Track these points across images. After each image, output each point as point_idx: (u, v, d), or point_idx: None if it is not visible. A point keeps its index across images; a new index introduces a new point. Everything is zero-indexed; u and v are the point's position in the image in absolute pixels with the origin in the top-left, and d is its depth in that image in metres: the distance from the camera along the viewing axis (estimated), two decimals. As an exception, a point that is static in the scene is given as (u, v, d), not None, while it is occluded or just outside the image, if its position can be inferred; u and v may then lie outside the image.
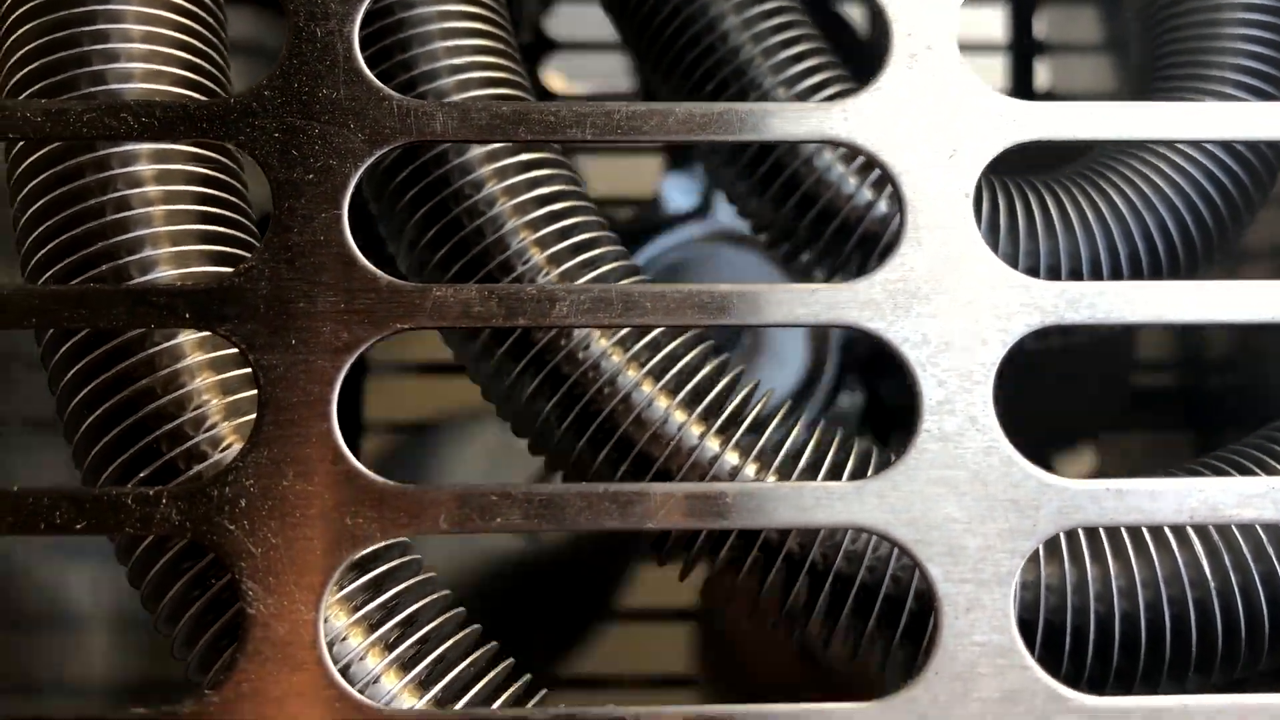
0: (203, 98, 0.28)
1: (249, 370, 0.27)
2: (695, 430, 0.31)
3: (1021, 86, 0.64)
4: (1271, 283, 0.26)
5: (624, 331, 0.32)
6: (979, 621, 0.24)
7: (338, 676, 0.23)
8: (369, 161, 0.26)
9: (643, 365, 0.31)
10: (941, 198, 0.26)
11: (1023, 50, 0.63)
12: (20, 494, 0.24)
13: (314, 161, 0.26)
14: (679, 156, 0.60)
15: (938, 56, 0.27)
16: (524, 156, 0.32)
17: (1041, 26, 0.63)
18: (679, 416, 0.31)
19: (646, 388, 0.31)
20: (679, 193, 0.59)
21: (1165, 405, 0.59)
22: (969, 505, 0.24)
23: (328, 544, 0.24)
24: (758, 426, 0.32)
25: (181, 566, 0.27)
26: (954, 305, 0.25)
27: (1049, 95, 0.64)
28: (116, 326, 0.26)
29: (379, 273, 0.25)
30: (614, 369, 0.31)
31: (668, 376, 0.31)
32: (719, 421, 0.31)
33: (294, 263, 0.25)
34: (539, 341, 0.32)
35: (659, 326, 0.29)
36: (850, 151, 0.38)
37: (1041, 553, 0.31)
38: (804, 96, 0.37)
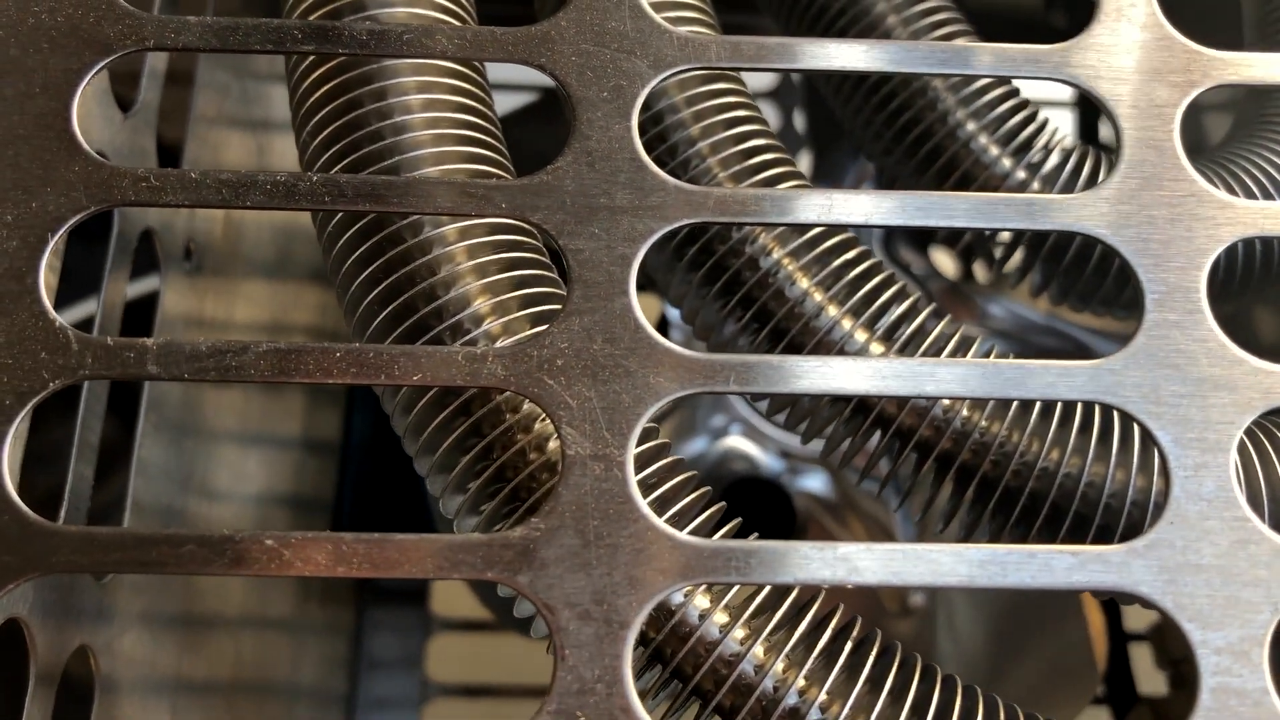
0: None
1: (513, 274, 0.31)
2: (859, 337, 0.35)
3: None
4: None
5: (809, 258, 0.35)
6: (1206, 480, 0.27)
7: (645, 508, 0.26)
8: (654, 83, 0.30)
9: (827, 290, 0.35)
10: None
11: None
12: (363, 349, 0.27)
13: (607, 81, 0.30)
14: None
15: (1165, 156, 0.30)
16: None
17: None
18: (860, 336, 0.35)
19: (832, 310, 0.35)
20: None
21: None
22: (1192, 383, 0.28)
23: (634, 397, 0.27)
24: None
25: (467, 443, 0.30)
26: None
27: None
28: (442, 213, 0.29)
29: (667, 176, 0.29)
30: (800, 293, 0.35)
31: (852, 300, 0.35)
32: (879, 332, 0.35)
33: (594, 165, 0.29)
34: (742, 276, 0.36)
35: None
36: (993, 127, 0.42)
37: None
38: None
